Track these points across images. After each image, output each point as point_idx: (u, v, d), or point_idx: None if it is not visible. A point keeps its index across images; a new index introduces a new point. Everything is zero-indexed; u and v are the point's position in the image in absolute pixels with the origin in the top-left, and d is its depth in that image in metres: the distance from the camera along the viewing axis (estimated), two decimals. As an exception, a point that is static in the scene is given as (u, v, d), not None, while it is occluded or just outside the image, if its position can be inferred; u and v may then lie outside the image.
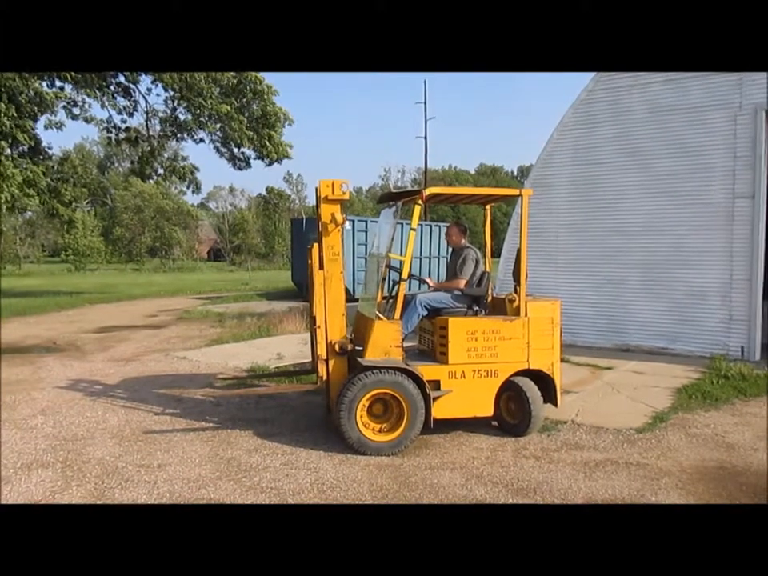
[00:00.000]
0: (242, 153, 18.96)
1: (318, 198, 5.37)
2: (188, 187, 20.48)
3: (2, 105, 14.03)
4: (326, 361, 5.33)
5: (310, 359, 6.28)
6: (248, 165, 19.25)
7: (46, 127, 17.45)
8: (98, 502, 4.22)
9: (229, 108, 16.97)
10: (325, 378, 5.36)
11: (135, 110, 18.60)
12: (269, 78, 17.44)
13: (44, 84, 16.67)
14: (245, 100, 17.48)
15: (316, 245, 5.40)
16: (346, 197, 5.33)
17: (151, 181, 22.64)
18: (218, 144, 18.95)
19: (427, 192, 5.48)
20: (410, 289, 5.98)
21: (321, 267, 5.34)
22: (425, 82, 73.76)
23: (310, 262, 5.51)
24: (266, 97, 17.35)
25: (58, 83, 17.12)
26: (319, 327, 5.31)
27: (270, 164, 18.56)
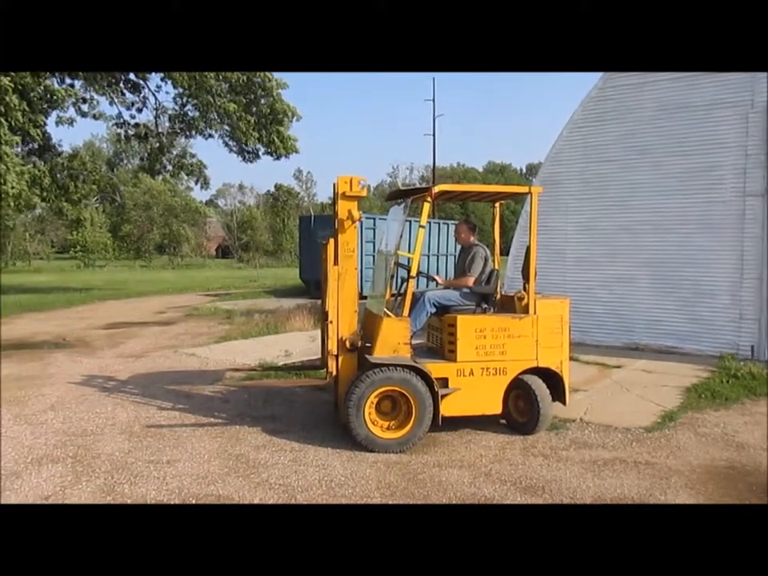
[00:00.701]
0: (251, 146, 19.01)
1: (335, 195, 5.38)
2: (196, 183, 20.58)
3: (15, 100, 14.13)
4: (336, 356, 5.34)
5: (317, 356, 6.29)
6: (257, 156, 19.28)
7: (57, 124, 17.60)
8: (100, 502, 4.22)
9: (236, 106, 17.00)
10: (334, 373, 5.37)
11: (144, 106, 18.71)
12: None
13: (54, 81, 16.78)
14: (253, 97, 17.50)
15: (332, 240, 5.42)
16: (364, 194, 5.35)
17: (160, 177, 22.73)
18: (227, 138, 19.00)
19: (436, 189, 5.47)
20: (418, 286, 5.98)
21: (335, 263, 5.35)
22: (433, 79, 73.27)
23: (324, 257, 5.51)
24: (274, 94, 17.37)
25: (67, 80, 17.23)
26: (331, 323, 5.31)
27: (278, 158, 18.60)
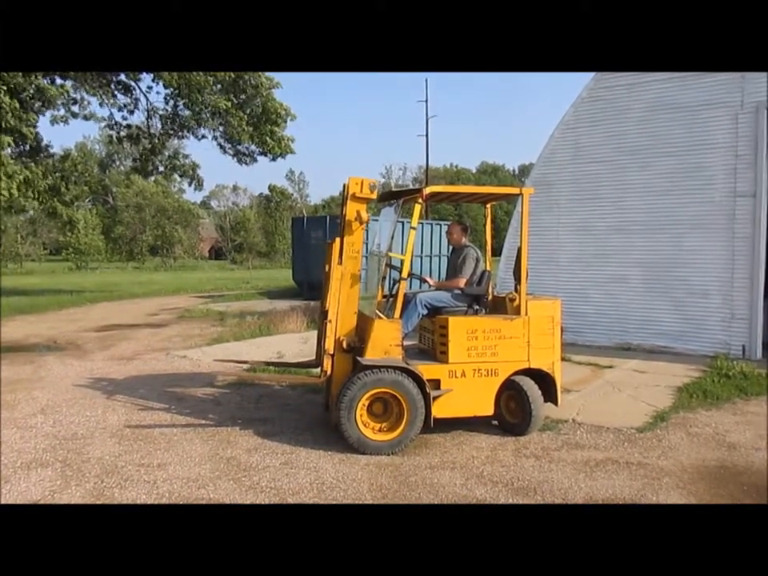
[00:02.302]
0: (246, 148, 18.83)
1: (344, 195, 5.37)
2: (190, 184, 20.44)
3: (6, 100, 14.01)
4: (332, 356, 5.32)
5: (310, 358, 6.27)
6: (254, 160, 19.05)
7: (51, 123, 17.50)
8: (98, 502, 4.21)
9: (228, 104, 16.87)
10: (329, 372, 5.35)
11: (136, 107, 18.59)
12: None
13: (45, 81, 16.66)
14: (244, 97, 17.37)
15: (337, 240, 5.40)
16: (374, 196, 5.32)
17: (152, 179, 22.63)
18: (221, 140, 18.87)
19: (427, 191, 5.47)
20: (410, 287, 5.97)
21: (340, 263, 5.33)
22: (426, 80, 73.96)
23: (327, 256, 5.49)
24: (265, 92, 17.23)
25: (58, 81, 17.12)
26: (330, 321, 5.29)
27: (274, 159, 18.42)
